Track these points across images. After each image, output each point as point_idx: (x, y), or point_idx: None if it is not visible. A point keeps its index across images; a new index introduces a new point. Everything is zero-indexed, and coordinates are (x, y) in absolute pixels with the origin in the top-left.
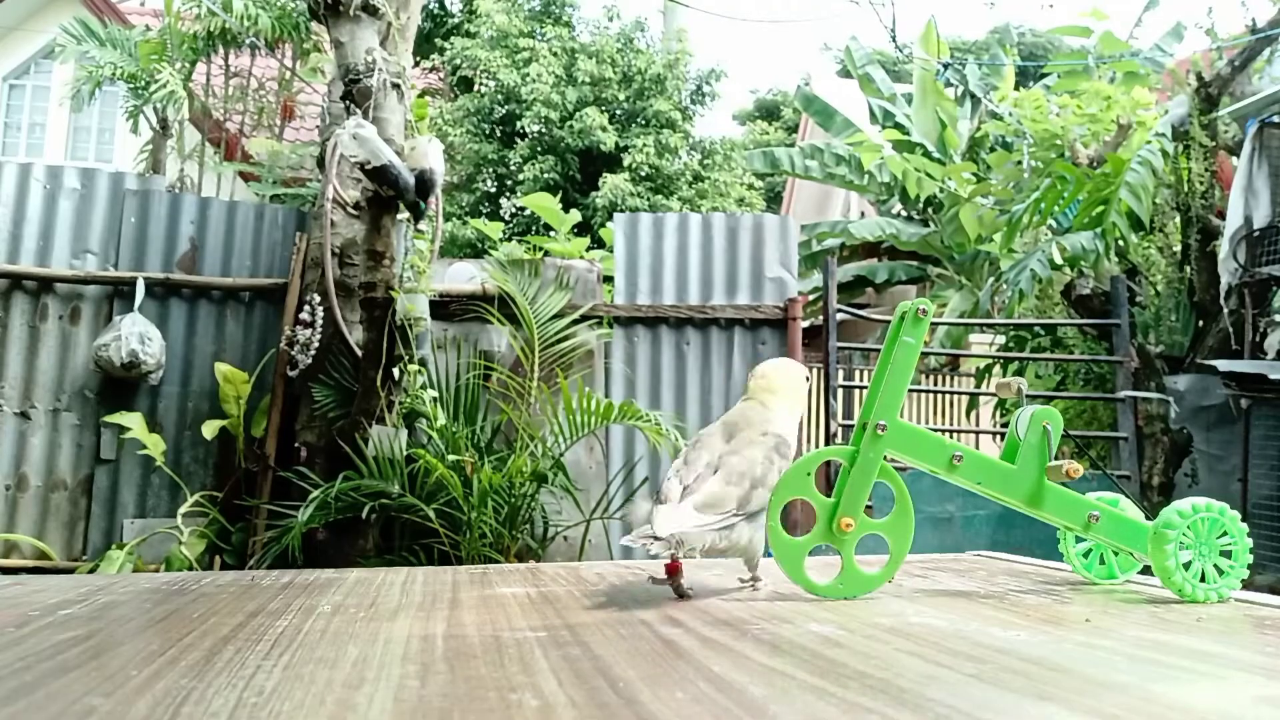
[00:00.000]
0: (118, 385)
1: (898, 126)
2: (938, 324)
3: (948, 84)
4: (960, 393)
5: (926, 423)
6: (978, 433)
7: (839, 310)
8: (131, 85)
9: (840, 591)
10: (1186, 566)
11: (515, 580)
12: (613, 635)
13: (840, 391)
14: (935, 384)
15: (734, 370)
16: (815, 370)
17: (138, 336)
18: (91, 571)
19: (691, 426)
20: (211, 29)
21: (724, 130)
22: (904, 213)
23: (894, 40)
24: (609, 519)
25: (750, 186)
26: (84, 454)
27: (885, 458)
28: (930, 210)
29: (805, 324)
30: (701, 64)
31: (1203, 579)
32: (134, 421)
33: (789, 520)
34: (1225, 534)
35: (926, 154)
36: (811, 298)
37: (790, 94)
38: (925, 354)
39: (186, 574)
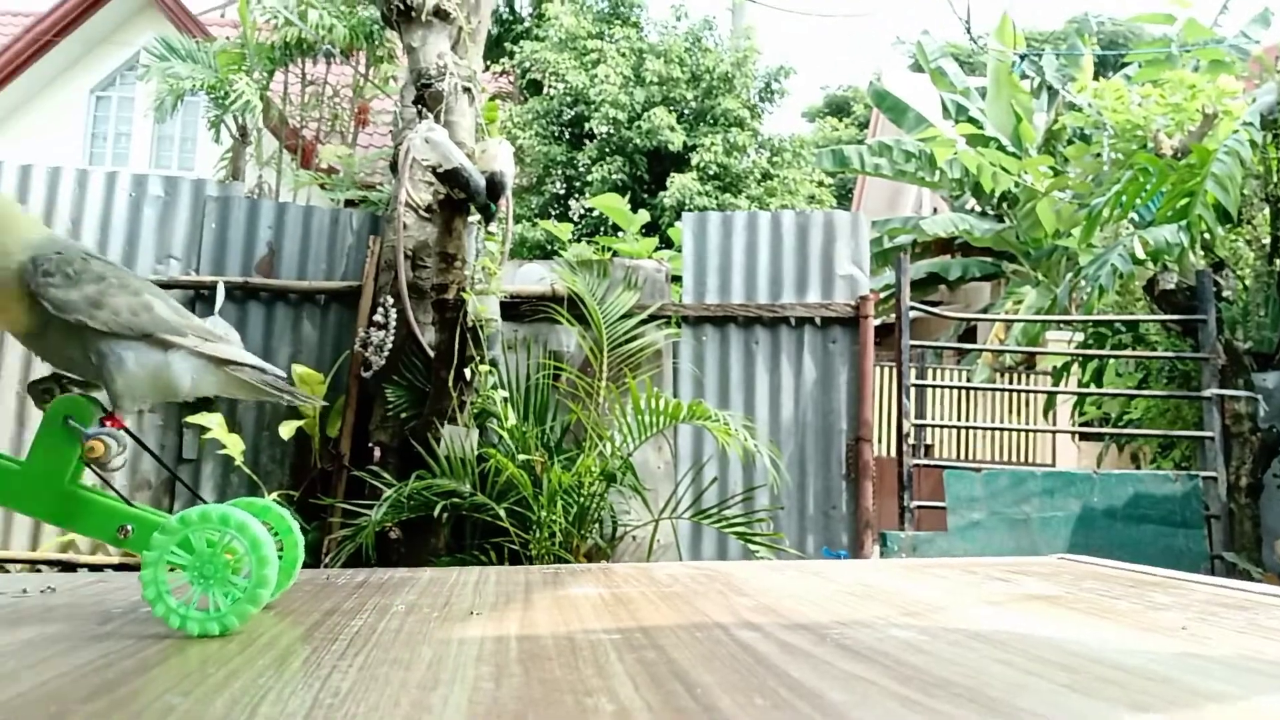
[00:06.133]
0: None
1: (971, 120)
2: (1013, 321)
3: (1023, 76)
4: (1037, 391)
5: (1002, 422)
6: (1055, 432)
7: (912, 308)
8: (212, 95)
9: None
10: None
11: (587, 581)
12: (688, 639)
13: (913, 391)
14: (1011, 383)
15: (804, 369)
16: (887, 369)
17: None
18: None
19: (761, 426)
20: (288, 39)
21: (793, 127)
22: (977, 208)
23: (969, 32)
24: (678, 519)
25: (820, 184)
26: (167, 454)
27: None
28: (1005, 205)
29: (877, 322)
30: (770, 61)
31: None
32: (214, 422)
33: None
34: (233, 545)
35: (1001, 148)
36: (883, 295)
37: (860, 90)
38: (1000, 351)
39: None
